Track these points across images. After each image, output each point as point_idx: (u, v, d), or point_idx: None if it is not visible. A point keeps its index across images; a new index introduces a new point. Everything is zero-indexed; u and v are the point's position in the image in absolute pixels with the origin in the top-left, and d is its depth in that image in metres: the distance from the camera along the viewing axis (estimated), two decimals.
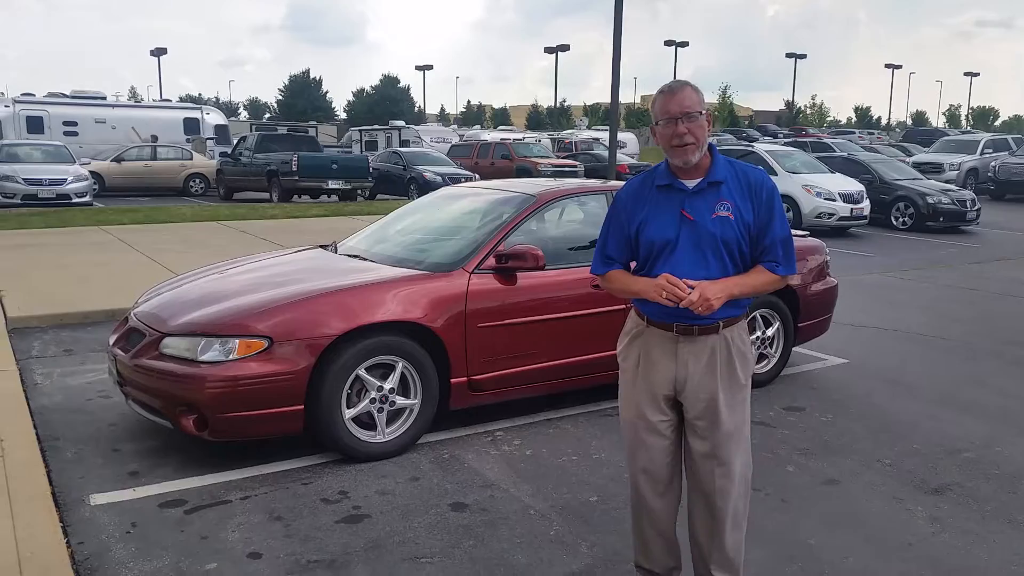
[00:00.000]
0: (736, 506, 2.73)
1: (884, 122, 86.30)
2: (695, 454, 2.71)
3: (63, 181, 17.74)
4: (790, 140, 27.72)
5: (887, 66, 75.09)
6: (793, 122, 67.81)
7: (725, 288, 2.53)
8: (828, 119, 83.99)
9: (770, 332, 5.60)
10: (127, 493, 3.80)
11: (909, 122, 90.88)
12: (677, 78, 2.55)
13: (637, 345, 2.74)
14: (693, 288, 2.47)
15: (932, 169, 22.29)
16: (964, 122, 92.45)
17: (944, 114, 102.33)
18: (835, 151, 20.91)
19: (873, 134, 48.82)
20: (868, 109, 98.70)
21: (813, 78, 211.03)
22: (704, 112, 2.56)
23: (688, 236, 2.59)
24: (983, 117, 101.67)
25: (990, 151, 24.67)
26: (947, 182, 19.02)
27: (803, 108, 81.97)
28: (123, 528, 3.47)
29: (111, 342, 4.54)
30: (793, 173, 14.86)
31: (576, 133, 38.86)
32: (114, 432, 4.58)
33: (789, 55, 66.46)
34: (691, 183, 2.62)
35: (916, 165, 21.52)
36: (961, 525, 3.61)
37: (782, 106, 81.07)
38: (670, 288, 2.48)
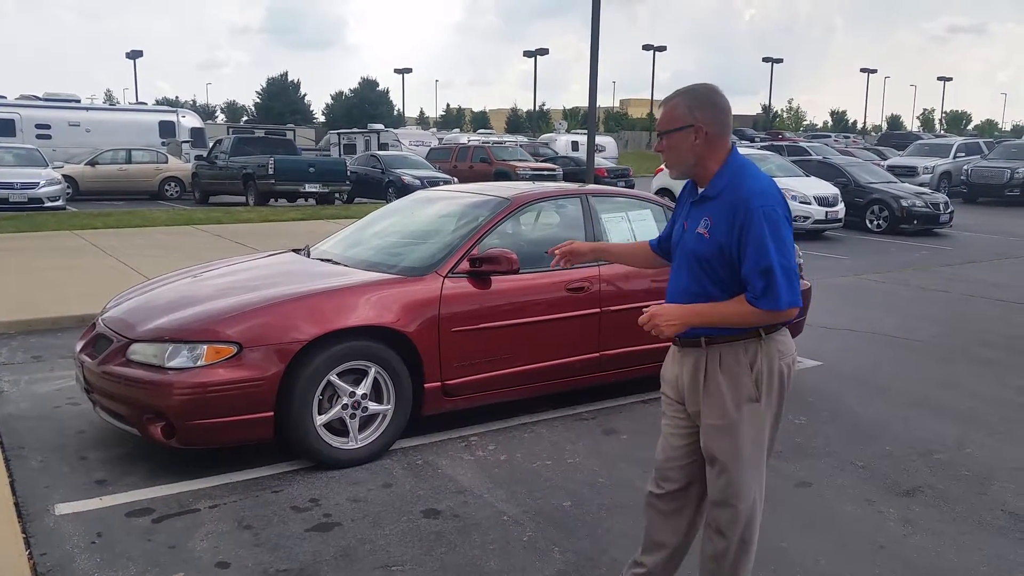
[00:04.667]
0: (743, 533, 2.61)
1: (860, 126, 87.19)
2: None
3: (35, 185, 17.49)
4: (766, 144, 27.90)
5: (862, 70, 76.07)
6: (770, 126, 68.44)
7: (682, 316, 2.41)
8: (804, 123, 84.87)
9: None
10: (93, 502, 3.73)
11: (884, 126, 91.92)
12: (675, 88, 2.45)
13: None
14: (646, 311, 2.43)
15: (906, 172, 22.49)
16: (938, 126, 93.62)
17: (918, 118, 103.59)
18: (811, 155, 21.10)
19: (849, 138, 49.34)
20: (844, 113, 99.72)
21: (790, 82, 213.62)
22: (690, 126, 2.45)
23: (681, 246, 2.58)
24: (956, 121, 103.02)
25: (963, 155, 25.01)
26: (921, 185, 19.23)
27: (780, 112, 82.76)
28: (88, 538, 3.40)
29: (78, 348, 4.47)
30: None
31: (555, 137, 38.90)
32: (82, 440, 4.50)
33: (766, 59, 67.15)
34: (699, 193, 2.56)
35: (891, 168, 21.72)
36: (932, 527, 3.63)
37: (759, 110, 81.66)
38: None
